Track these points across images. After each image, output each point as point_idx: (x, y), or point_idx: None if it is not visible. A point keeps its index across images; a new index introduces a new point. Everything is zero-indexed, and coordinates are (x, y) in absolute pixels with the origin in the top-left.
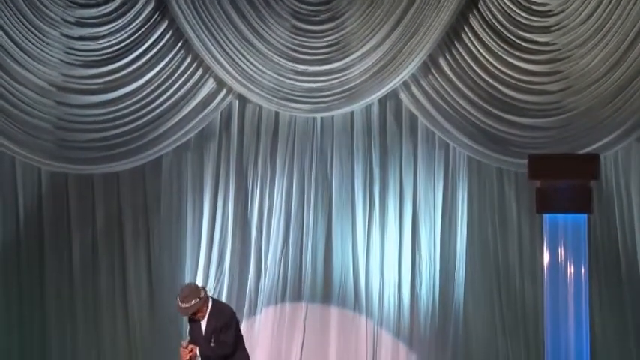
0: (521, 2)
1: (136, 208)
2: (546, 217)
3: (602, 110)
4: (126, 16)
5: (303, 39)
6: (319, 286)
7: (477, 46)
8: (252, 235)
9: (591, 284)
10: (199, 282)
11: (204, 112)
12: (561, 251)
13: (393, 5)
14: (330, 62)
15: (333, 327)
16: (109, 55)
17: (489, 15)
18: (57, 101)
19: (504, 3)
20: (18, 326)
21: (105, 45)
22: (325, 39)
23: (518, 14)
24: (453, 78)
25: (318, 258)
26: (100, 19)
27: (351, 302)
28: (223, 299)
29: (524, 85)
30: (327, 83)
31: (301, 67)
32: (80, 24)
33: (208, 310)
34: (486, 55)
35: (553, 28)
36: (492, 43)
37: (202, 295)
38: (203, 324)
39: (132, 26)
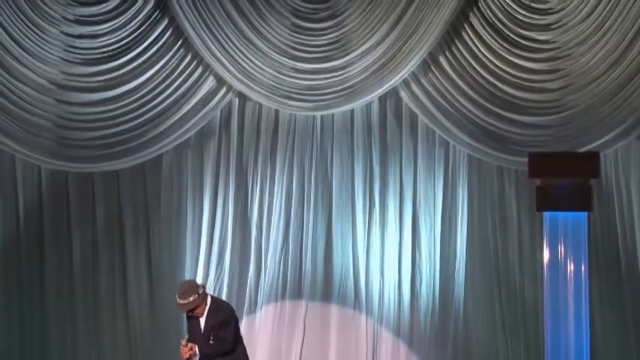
0: (522, 0)
1: (136, 206)
2: (546, 214)
3: (602, 108)
4: (126, 14)
5: (303, 37)
6: (319, 285)
7: (477, 44)
8: (252, 234)
9: (591, 282)
10: (199, 280)
11: (204, 110)
12: (561, 249)
13: (393, 3)
14: (330, 60)
15: (333, 325)
16: (109, 53)
17: (489, 13)
18: (57, 99)
19: (504, 1)
20: (18, 326)
21: (105, 43)
22: (325, 37)
23: (519, 12)
24: (453, 76)
25: (318, 256)
26: (99, 17)
27: (351, 300)
28: (223, 297)
29: (524, 83)
30: (327, 81)
31: (301, 65)
32: (80, 22)
33: (207, 307)
34: (486, 53)
35: (553, 26)
36: (492, 41)
37: (201, 291)
38: (202, 321)
39: (132, 24)
